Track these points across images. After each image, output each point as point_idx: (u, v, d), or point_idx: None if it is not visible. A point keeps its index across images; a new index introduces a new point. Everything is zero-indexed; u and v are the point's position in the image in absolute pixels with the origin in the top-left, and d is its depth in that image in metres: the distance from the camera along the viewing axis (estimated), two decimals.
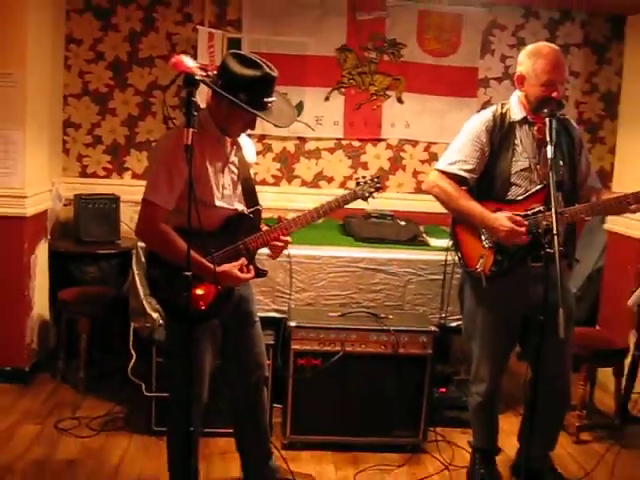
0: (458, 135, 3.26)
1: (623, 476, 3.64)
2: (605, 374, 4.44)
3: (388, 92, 5.23)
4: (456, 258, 3.37)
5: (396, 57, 5.21)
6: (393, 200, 5.13)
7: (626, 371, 4.17)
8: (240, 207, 2.97)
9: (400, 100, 5.24)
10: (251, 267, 2.91)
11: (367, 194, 3.07)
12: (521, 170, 3.11)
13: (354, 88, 5.20)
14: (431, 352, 3.73)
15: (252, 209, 2.99)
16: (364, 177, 3.09)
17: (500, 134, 3.14)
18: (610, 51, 5.38)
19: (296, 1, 5.09)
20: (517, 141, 3.13)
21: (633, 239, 4.68)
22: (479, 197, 3.15)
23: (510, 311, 3.21)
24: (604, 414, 4.40)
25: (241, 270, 2.85)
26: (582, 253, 5.08)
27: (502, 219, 3.04)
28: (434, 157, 5.25)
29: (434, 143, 5.30)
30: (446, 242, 4.40)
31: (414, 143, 5.31)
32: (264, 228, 2.99)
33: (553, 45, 3.10)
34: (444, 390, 4.22)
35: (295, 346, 3.71)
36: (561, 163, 3.01)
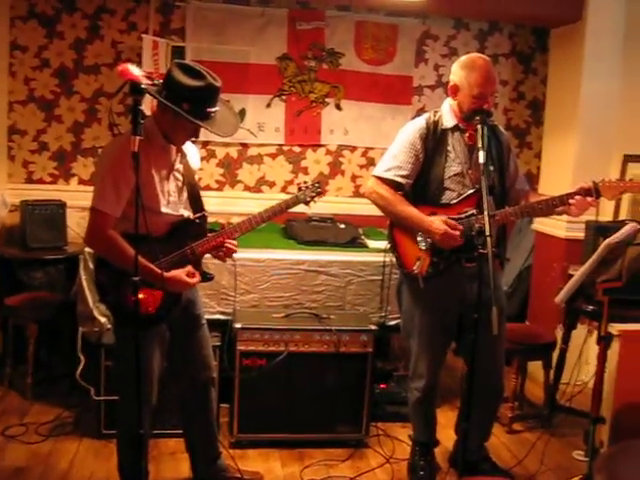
0: (394, 142, 3.32)
1: (552, 462, 3.78)
2: (535, 367, 4.58)
3: (327, 99, 5.29)
4: (394, 259, 3.42)
5: (335, 66, 5.27)
6: (333, 204, 5.19)
7: (554, 364, 4.30)
8: (186, 213, 2.98)
9: (339, 107, 5.31)
10: (197, 272, 2.92)
11: (309, 199, 3.13)
12: (454, 175, 3.19)
13: (295, 95, 5.25)
14: (371, 350, 3.80)
15: (198, 215, 3.00)
16: (305, 182, 3.15)
17: (433, 141, 3.20)
18: (535, 61, 5.56)
19: (238, 11, 5.11)
20: (449, 147, 3.20)
21: (558, 238, 4.86)
22: (415, 201, 3.21)
23: (446, 309, 3.29)
24: (535, 405, 4.54)
25: (188, 275, 2.85)
26: (512, 252, 5.25)
27: (437, 222, 3.10)
28: (372, 162, 5.34)
29: (371, 148, 5.39)
30: (384, 244, 4.48)
31: (352, 149, 5.39)
32: (210, 234, 3.00)
33: (485, 57, 3.18)
34: (384, 386, 4.29)
35: (241, 347, 3.73)
36: (492, 168, 3.06)
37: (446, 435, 3.81)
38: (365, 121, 5.34)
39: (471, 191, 3.16)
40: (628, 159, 4.82)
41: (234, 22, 5.11)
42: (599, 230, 3.98)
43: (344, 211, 5.16)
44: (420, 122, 3.25)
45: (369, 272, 4.11)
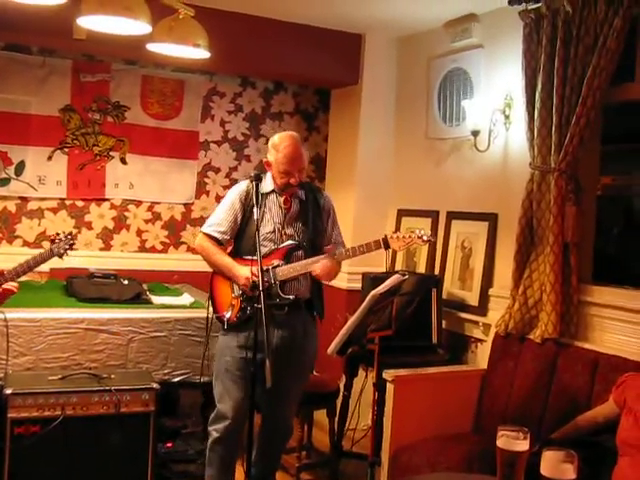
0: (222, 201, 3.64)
1: None
2: (322, 415, 4.69)
3: (112, 153, 5.19)
4: (179, 315, 3.53)
5: (120, 119, 5.20)
6: (117, 259, 5.08)
7: (338, 411, 4.43)
8: None
9: (124, 161, 5.23)
10: None
11: (62, 251, 3.14)
12: (267, 233, 3.49)
13: (78, 148, 5.10)
14: (153, 409, 3.72)
15: None
16: (58, 234, 3.11)
17: (253, 202, 3.40)
18: (318, 119, 5.82)
19: (18, 60, 4.91)
20: (266, 209, 3.51)
21: (340, 289, 5.07)
22: (237, 254, 3.54)
23: (250, 354, 3.33)
24: (322, 452, 4.64)
25: None
26: None
27: (242, 271, 3.37)
28: (158, 216, 5.32)
29: (157, 203, 5.35)
30: (169, 299, 4.46)
31: (138, 203, 5.31)
32: None
33: (293, 136, 3.53)
34: (171, 445, 4.20)
35: (12, 414, 3.49)
36: (303, 227, 3.53)
37: None
38: (151, 175, 5.30)
39: (278, 246, 3.50)
40: (402, 213, 5.16)
41: (14, 71, 4.89)
42: (374, 281, 4.19)
43: (129, 266, 5.04)
44: (242, 186, 3.58)
45: (152, 329, 4.04)
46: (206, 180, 5.50)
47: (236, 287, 3.48)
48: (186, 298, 4.55)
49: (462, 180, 4.64)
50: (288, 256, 3.46)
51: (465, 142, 4.58)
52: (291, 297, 3.41)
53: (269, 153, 3.55)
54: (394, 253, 5.05)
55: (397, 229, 5.08)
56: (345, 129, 5.40)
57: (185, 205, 5.44)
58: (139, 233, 5.33)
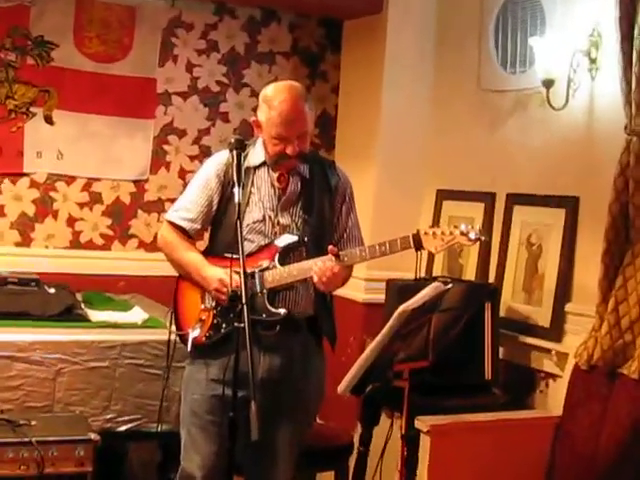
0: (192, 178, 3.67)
1: None
2: (329, 478, 4.70)
3: (33, 109, 5.20)
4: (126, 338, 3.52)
5: (45, 61, 5.22)
6: (40, 258, 5.11)
7: (351, 472, 4.44)
8: None
9: (50, 120, 5.25)
10: None
11: None
12: (254, 222, 3.48)
13: None
14: (91, 469, 3.74)
15: None
16: None
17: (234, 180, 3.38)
18: (325, 62, 5.85)
19: None
20: (253, 189, 3.51)
21: (356, 303, 5.09)
22: (212, 251, 3.57)
23: (228, 391, 3.33)
24: None
25: None
26: None
27: (214, 271, 3.41)
28: (97, 199, 5.35)
29: (97, 179, 5.37)
30: (113, 314, 4.48)
31: (69, 179, 5.32)
32: None
33: (295, 86, 3.51)
34: None
35: None
36: (306, 216, 3.51)
37: None
38: (88, 141, 5.32)
39: (268, 241, 3.49)
40: (442, 196, 5.18)
41: None
42: (402, 291, 4.19)
43: (57, 269, 5.06)
44: (222, 156, 3.58)
45: (90, 357, 4.05)
46: (166, 148, 5.53)
47: (208, 296, 3.50)
48: (137, 313, 4.57)
49: (528, 149, 4.65)
50: (283, 255, 3.45)
51: (533, 96, 4.59)
52: (281, 312, 3.41)
53: (259, 110, 3.53)
54: (430, 254, 5.06)
55: (435, 221, 5.10)
56: (363, 77, 5.41)
57: (136, 183, 5.47)
58: (71, 222, 5.34)
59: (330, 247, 3.39)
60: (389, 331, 3.25)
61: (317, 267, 3.35)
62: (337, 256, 3.36)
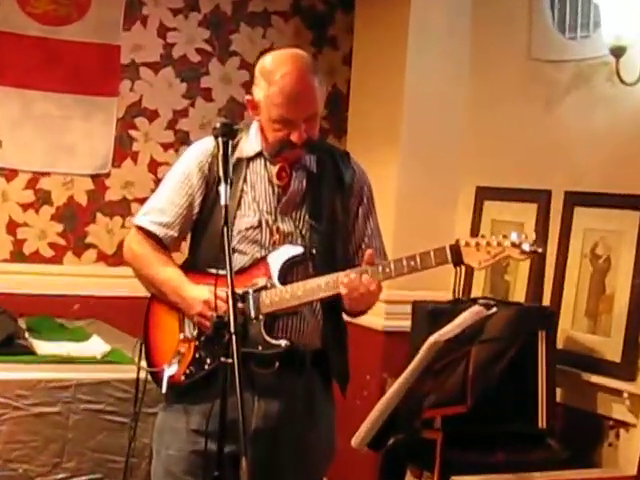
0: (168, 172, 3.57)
1: None
2: None
3: None
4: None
5: None
6: None
7: None
8: None
9: None
10: None
11: None
12: (247, 229, 3.42)
13: None
14: None
15: None
16: None
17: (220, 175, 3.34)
18: (334, 26, 5.89)
19: None
20: (246, 187, 3.45)
21: (375, 331, 5.07)
22: (194, 264, 3.50)
23: (212, 445, 3.33)
24: None
25: None
26: None
27: (198, 291, 3.31)
28: (45, 199, 5.38)
29: (45, 174, 5.40)
30: (66, 346, 4.49)
31: (10, 174, 5.36)
32: None
33: (299, 58, 3.41)
34: None
35: None
36: (313, 222, 3.42)
37: None
38: (34, 125, 5.37)
39: (264, 254, 3.39)
40: (484, 194, 5.17)
41: None
42: (434, 316, 4.19)
43: None
44: (205, 144, 3.50)
45: (35, 400, 4.06)
46: (133, 133, 5.57)
47: (188, 322, 3.44)
48: (96, 345, 4.58)
49: (592, 135, 4.65)
50: (284, 272, 3.36)
51: (600, 67, 4.60)
52: (282, 344, 3.32)
53: (255, 86, 3.43)
54: (470, 270, 5.04)
55: (474, 227, 5.08)
56: (382, 44, 5.41)
57: (95, 178, 5.51)
58: (12, 228, 5.36)
59: (369, 251, 3.30)
60: (417, 367, 3.25)
61: (349, 279, 3.26)
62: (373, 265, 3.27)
